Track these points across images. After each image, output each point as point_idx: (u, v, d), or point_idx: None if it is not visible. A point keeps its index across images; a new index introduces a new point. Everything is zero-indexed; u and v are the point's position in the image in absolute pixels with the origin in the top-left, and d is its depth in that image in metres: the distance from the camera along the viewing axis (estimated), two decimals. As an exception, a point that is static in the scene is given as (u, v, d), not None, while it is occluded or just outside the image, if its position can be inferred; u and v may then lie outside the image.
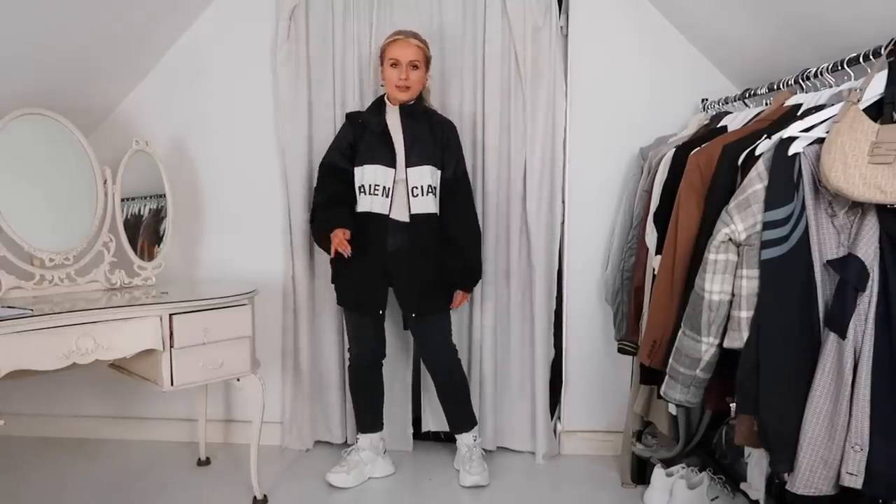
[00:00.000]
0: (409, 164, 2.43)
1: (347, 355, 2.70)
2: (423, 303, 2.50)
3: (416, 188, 2.42)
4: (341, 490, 2.56)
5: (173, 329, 2.20)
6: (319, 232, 2.47)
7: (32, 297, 2.26)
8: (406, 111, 2.46)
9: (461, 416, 2.64)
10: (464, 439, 2.64)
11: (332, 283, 2.59)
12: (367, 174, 2.44)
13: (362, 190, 2.45)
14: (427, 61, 2.46)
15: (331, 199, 2.46)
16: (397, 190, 2.43)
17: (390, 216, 2.43)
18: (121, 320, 2.13)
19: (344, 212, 2.43)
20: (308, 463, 2.80)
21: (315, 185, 2.59)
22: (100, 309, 2.11)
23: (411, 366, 2.87)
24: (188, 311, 2.23)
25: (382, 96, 2.52)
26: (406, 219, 2.43)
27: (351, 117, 2.54)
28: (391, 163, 2.42)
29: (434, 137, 2.46)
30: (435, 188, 2.46)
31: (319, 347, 2.86)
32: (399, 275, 2.47)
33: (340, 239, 2.32)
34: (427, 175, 2.43)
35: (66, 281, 2.37)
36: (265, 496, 2.46)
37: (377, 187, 2.42)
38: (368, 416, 2.65)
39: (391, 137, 2.45)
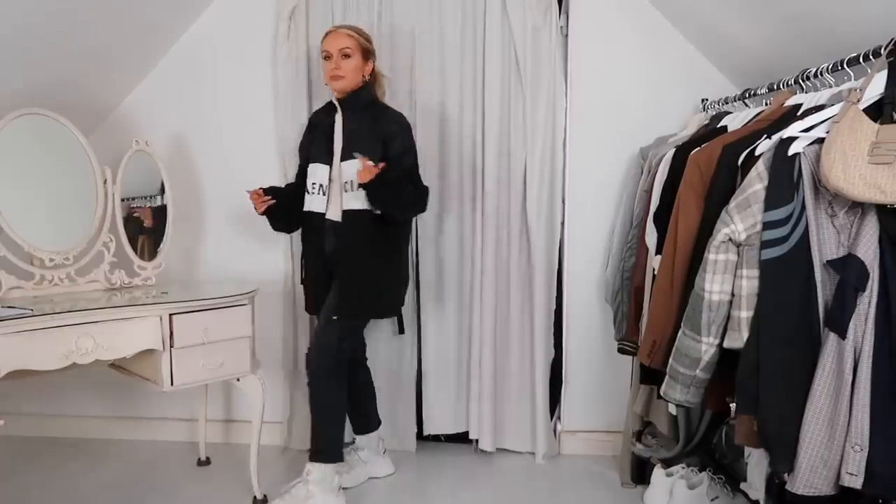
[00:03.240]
0: (343, 158, 2.33)
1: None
2: (340, 302, 2.35)
3: (348, 183, 2.31)
4: (343, 489, 2.56)
5: (173, 329, 2.20)
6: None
7: (32, 297, 2.26)
8: (344, 104, 2.37)
9: (313, 437, 2.39)
10: (306, 467, 2.36)
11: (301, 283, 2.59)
12: (310, 173, 2.41)
13: (305, 189, 2.41)
14: (364, 51, 2.36)
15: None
16: (334, 188, 2.35)
17: (328, 215, 2.36)
18: (121, 320, 2.13)
19: (274, 188, 2.46)
20: (308, 463, 2.80)
21: None
22: (100, 309, 2.11)
23: (415, 366, 2.87)
24: (188, 311, 2.23)
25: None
26: (338, 217, 2.34)
27: (311, 117, 2.56)
28: (328, 160, 2.37)
29: (376, 130, 2.33)
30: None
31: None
32: (336, 275, 2.37)
33: (253, 197, 2.36)
34: (354, 169, 2.26)
35: (66, 281, 2.37)
36: (265, 496, 2.46)
37: (314, 185, 2.38)
38: (354, 418, 2.62)
39: (333, 134, 2.39)
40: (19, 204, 2.28)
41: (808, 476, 1.48)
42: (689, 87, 2.68)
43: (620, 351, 2.51)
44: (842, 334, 1.44)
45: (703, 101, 2.63)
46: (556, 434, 2.90)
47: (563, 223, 2.80)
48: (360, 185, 2.21)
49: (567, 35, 2.73)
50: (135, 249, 2.56)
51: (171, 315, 2.20)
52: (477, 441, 2.88)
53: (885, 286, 1.42)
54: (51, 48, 2.28)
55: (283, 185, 2.62)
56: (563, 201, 2.80)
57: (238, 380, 2.38)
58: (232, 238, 2.90)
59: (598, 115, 2.74)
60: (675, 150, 2.15)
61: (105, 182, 2.48)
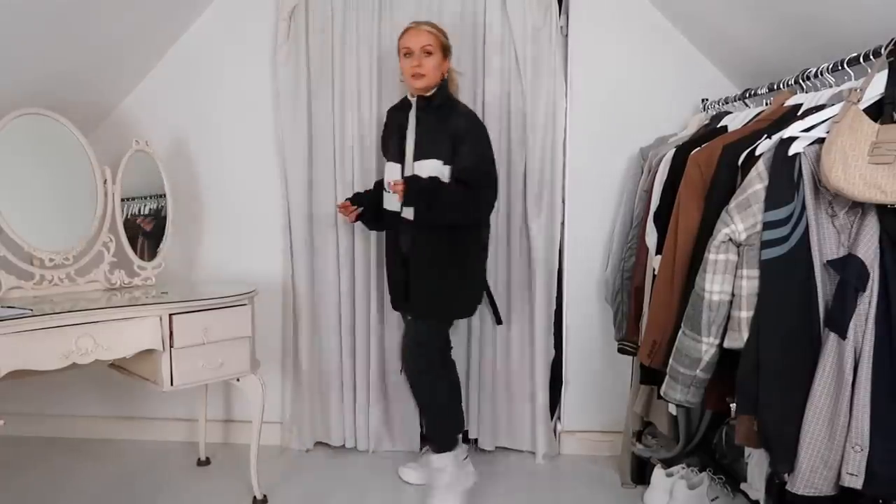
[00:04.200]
0: (415, 158, 2.34)
1: (362, 354, 2.80)
2: (419, 303, 2.39)
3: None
4: (341, 488, 2.57)
5: (173, 329, 2.20)
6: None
7: (32, 297, 2.26)
8: (420, 104, 2.36)
9: (430, 432, 2.54)
10: (430, 460, 2.48)
11: None
12: (385, 171, 2.45)
13: (383, 187, 2.44)
14: (444, 49, 2.35)
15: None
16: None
17: (402, 214, 2.34)
18: (121, 320, 2.13)
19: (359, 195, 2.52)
20: (308, 463, 2.80)
21: None
22: (100, 309, 2.11)
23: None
24: (188, 311, 2.23)
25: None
26: (411, 216, 2.31)
27: (388, 113, 2.54)
28: (399, 158, 2.39)
29: (446, 129, 2.30)
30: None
31: (319, 348, 2.86)
32: (411, 275, 2.38)
33: (341, 212, 2.44)
34: (434, 169, 2.28)
35: (66, 281, 2.37)
36: (265, 496, 2.46)
37: (388, 184, 2.37)
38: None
39: (406, 132, 2.39)
40: (19, 204, 2.28)
41: (809, 476, 1.48)
42: (689, 87, 2.68)
43: (620, 351, 2.51)
44: (842, 334, 1.44)
45: (703, 101, 2.62)
46: (556, 434, 2.90)
47: (563, 223, 2.80)
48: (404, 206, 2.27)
49: (567, 35, 2.73)
50: (135, 249, 2.56)
51: (170, 315, 2.20)
52: (477, 440, 2.89)
53: (886, 286, 1.42)
54: (51, 48, 2.28)
55: (365, 189, 2.63)
56: (563, 201, 2.79)
57: (238, 380, 2.38)
58: (231, 238, 2.90)
59: (598, 115, 2.74)
60: (675, 150, 2.15)
61: (105, 182, 2.48)
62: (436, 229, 2.32)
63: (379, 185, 2.53)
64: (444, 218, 2.29)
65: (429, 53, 2.30)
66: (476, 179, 2.28)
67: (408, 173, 2.34)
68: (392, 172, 2.40)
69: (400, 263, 2.43)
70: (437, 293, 2.37)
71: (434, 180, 2.26)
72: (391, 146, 2.45)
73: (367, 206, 2.47)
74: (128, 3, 2.37)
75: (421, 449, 2.77)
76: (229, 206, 2.89)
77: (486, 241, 2.54)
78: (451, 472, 2.42)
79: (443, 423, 2.50)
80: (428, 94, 2.36)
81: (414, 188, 2.21)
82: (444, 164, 2.30)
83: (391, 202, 2.37)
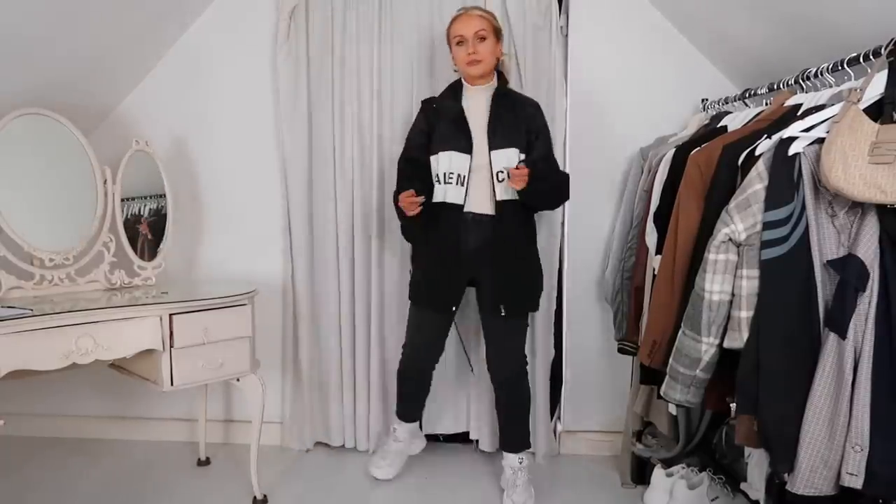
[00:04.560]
0: (492, 147, 2.25)
1: (362, 354, 2.79)
2: (508, 300, 2.33)
3: (501, 172, 2.25)
4: (342, 488, 2.57)
5: (173, 329, 2.20)
6: (399, 217, 2.36)
7: (32, 297, 2.26)
8: (498, 93, 2.31)
9: (515, 434, 2.51)
10: (509, 460, 2.50)
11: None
12: (441, 162, 2.30)
13: (437, 179, 2.31)
14: (496, 32, 2.30)
15: (402, 185, 2.33)
16: (476, 178, 2.28)
17: (468, 208, 2.28)
18: (121, 320, 2.13)
19: (411, 184, 2.28)
20: (308, 463, 2.80)
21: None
22: (100, 309, 2.11)
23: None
24: (188, 311, 2.23)
25: (459, 80, 2.39)
26: (489, 210, 2.27)
27: (424, 104, 2.43)
28: (466, 148, 2.27)
29: (518, 117, 2.28)
30: None
31: (319, 348, 2.86)
32: (483, 272, 2.32)
33: (407, 201, 2.21)
34: (513, 158, 2.25)
35: (66, 281, 2.37)
36: (265, 496, 2.46)
37: (451, 175, 2.28)
38: (411, 408, 2.61)
39: (467, 122, 2.30)
40: (19, 204, 2.28)
41: (809, 476, 1.49)
42: (689, 87, 2.68)
43: (620, 351, 2.51)
44: (842, 334, 1.44)
45: (703, 101, 2.62)
46: (556, 434, 2.90)
47: (563, 223, 2.80)
48: (518, 192, 2.21)
49: (567, 35, 2.73)
50: (135, 249, 2.56)
51: (170, 315, 2.20)
52: (477, 441, 2.88)
53: (886, 286, 1.42)
54: (51, 48, 2.28)
55: (397, 188, 2.38)
56: (563, 201, 2.79)
57: (238, 380, 2.38)
58: (231, 238, 2.90)
59: (598, 115, 2.74)
60: (675, 150, 2.15)
61: (105, 182, 2.48)
62: (513, 224, 2.30)
63: (421, 180, 2.32)
64: (556, 205, 2.45)
65: (482, 38, 2.26)
66: (555, 161, 2.41)
67: (483, 162, 2.27)
68: (456, 163, 2.27)
69: (458, 261, 2.32)
70: (531, 286, 2.41)
71: (545, 160, 2.29)
72: (443, 136, 2.32)
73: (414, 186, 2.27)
74: (128, 4, 2.37)
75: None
76: (229, 206, 2.89)
77: None
78: (527, 467, 2.50)
79: (527, 421, 2.54)
80: (485, 81, 2.33)
81: (539, 174, 2.19)
82: (520, 152, 2.28)
83: (451, 195, 2.29)
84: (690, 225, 1.83)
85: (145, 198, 2.61)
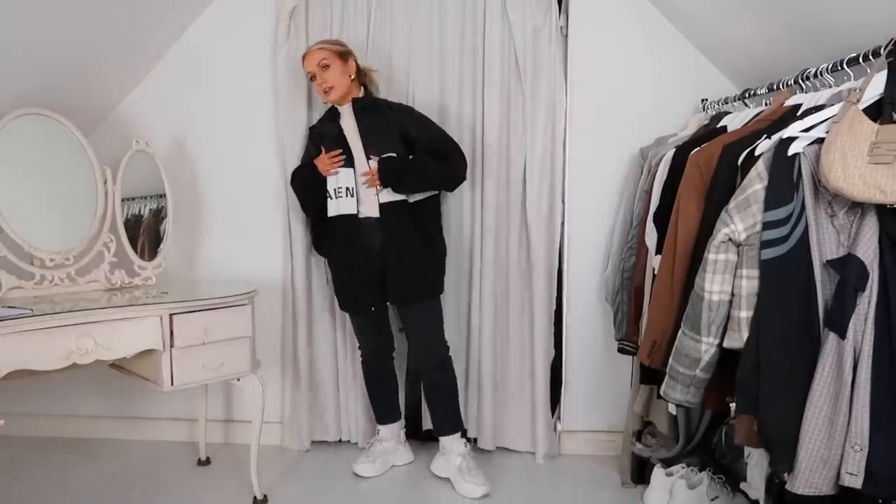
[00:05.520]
0: (369, 157, 2.42)
1: (341, 356, 2.83)
2: (410, 290, 2.49)
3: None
4: (342, 488, 2.57)
5: (173, 329, 2.20)
6: (304, 205, 2.61)
7: (33, 297, 2.26)
8: (357, 106, 2.46)
9: (445, 416, 2.61)
10: (455, 447, 2.59)
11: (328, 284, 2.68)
12: (330, 179, 2.46)
13: (330, 195, 2.47)
14: (340, 55, 2.43)
15: (299, 179, 2.58)
16: (362, 187, 2.44)
17: (361, 214, 2.44)
18: (121, 320, 2.13)
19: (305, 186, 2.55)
20: (308, 463, 2.80)
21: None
22: (100, 309, 2.11)
23: (404, 368, 2.86)
24: (188, 311, 2.23)
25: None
26: (376, 213, 2.43)
27: (311, 131, 2.62)
28: (349, 163, 2.44)
29: (389, 125, 2.44)
30: None
31: (317, 347, 2.87)
32: (389, 270, 2.47)
33: (324, 162, 2.43)
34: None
35: (66, 281, 2.37)
36: (265, 496, 2.46)
37: (340, 189, 2.44)
38: (384, 407, 2.71)
39: (346, 138, 2.46)
40: (19, 204, 2.28)
41: (808, 476, 1.49)
42: (689, 87, 2.68)
43: (620, 351, 2.51)
44: (842, 334, 1.44)
45: (703, 101, 2.63)
46: (556, 434, 2.90)
47: (563, 223, 2.80)
48: (383, 186, 2.40)
49: (567, 35, 2.73)
50: (135, 249, 2.56)
51: (171, 315, 2.20)
52: (476, 440, 2.89)
53: (885, 286, 1.42)
54: (50, 48, 2.28)
55: (296, 189, 2.65)
56: (563, 201, 2.79)
57: (238, 380, 2.38)
58: (231, 238, 2.90)
59: (598, 115, 2.74)
60: (675, 150, 2.15)
61: (105, 182, 2.48)
62: (400, 221, 2.44)
63: (320, 196, 2.50)
64: (426, 180, 2.46)
65: (325, 67, 2.41)
66: (449, 142, 2.49)
67: (364, 171, 2.43)
68: (343, 178, 2.43)
69: (364, 264, 2.48)
70: (424, 275, 2.50)
71: (399, 156, 2.42)
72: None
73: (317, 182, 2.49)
74: (128, 4, 2.37)
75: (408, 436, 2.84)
76: (229, 206, 2.89)
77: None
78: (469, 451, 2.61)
79: (456, 403, 2.63)
80: (348, 100, 2.47)
81: (387, 166, 2.39)
82: (400, 154, 2.44)
83: (345, 206, 2.44)
84: (690, 225, 1.83)
85: (145, 198, 2.62)
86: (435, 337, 2.57)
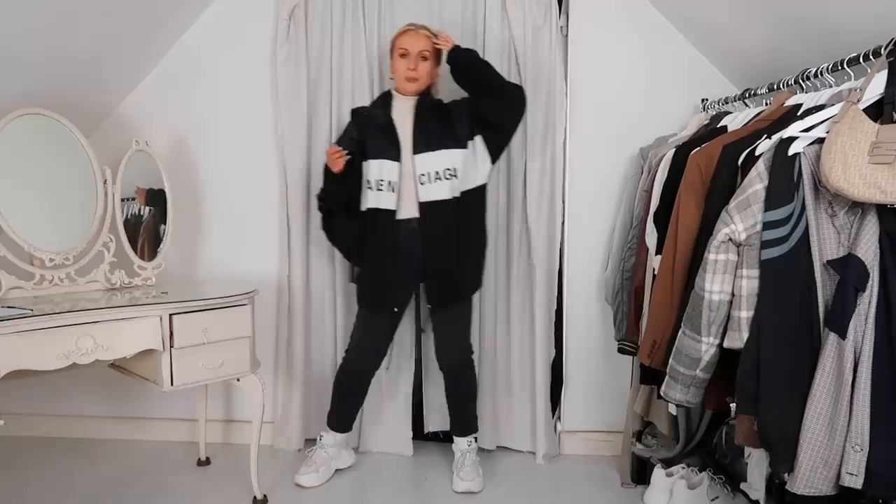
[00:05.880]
0: (415, 152, 2.37)
1: (340, 356, 2.75)
2: (450, 292, 2.48)
3: (423, 175, 2.36)
4: (342, 488, 2.57)
5: (173, 329, 2.20)
6: (326, 204, 2.50)
7: (32, 297, 2.26)
8: (425, 102, 2.43)
9: (464, 419, 2.63)
10: (458, 444, 2.63)
11: (352, 281, 2.63)
12: (372, 169, 2.40)
13: (369, 185, 2.41)
14: (437, 54, 2.43)
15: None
16: (405, 184, 2.39)
17: (401, 213, 2.39)
18: (121, 320, 2.13)
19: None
20: (308, 463, 2.80)
21: None
22: (100, 309, 2.11)
23: (413, 369, 2.85)
24: (188, 311, 2.23)
25: (389, 90, 2.50)
26: (415, 212, 2.38)
27: (355, 113, 2.52)
28: (395, 156, 2.38)
29: (450, 118, 2.40)
30: (454, 171, 2.37)
31: (313, 348, 2.87)
32: (429, 273, 2.44)
33: (332, 153, 2.33)
34: (442, 160, 2.36)
35: (66, 281, 2.37)
36: (265, 496, 2.46)
37: (381, 182, 2.38)
38: (344, 418, 2.63)
39: (396, 130, 2.40)
40: (19, 204, 2.28)
41: (809, 476, 1.48)
42: (689, 87, 2.68)
43: (620, 351, 2.51)
44: (842, 334, 1.44)
45: (703, 101, 2.63)
46: (556, 434, 2.90)
47: (563, 223, 2.80)
48: (449, 54, 2.35)
49: (567, 35, 2.73)
50: (135, 249, 2.56)
51: (171, 315, 2.20)
52: (470, 444, 2.87)
53: (886, 286, 1.42)
54: (51, 48, 2.28)
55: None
56: (563, 201, 2.79)
57: (238, 380, 2.38)
58: (231, 238, 2.90)
59: (598, 115, 2.74)
60: (675, 150, 2.15)
61: (105, 182, 2.48)
62: (439, 223, 2.38)
63: (355, 185, 2.43)
64: (494, 72, 2.39)
65: (425, 59, 2.39)
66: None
67: (410, 169, 2.38)
68: (387, 170, 2.37)
69: (392, 262, 2.42)
70: (464, 278, 2.50)
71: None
72: (374, 144, 2.41)
73: (353, 155, 2.37)
74: (128, 3, 2.37)
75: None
76: (229, 206, 2.89)
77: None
78: (475, 449, 2.64)
79: (474, 407, 2.65)
80: (414, 94, 2.43)
81: (471, 56, 2.37)
82: (459, 147, 2.39)
83: (384, 200, 2.38)
84: (690, 225, 1.83)
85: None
86: (463, 337, 2.58)
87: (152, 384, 2.27)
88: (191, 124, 2.87)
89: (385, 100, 2.48)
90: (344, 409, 2.63)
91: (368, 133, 2.43)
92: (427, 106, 2.43)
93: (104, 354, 2.11)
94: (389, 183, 2.37)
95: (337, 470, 2.67)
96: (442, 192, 2.37)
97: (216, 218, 2.91)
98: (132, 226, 2.57)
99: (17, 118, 2.28)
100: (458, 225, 2.43)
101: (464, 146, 2.40)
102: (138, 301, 2.24)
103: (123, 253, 2.52)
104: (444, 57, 2.40)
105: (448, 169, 2.37)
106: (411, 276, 2.47)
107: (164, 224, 2.63)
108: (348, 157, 2.35)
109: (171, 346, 2.20)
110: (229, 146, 2.87)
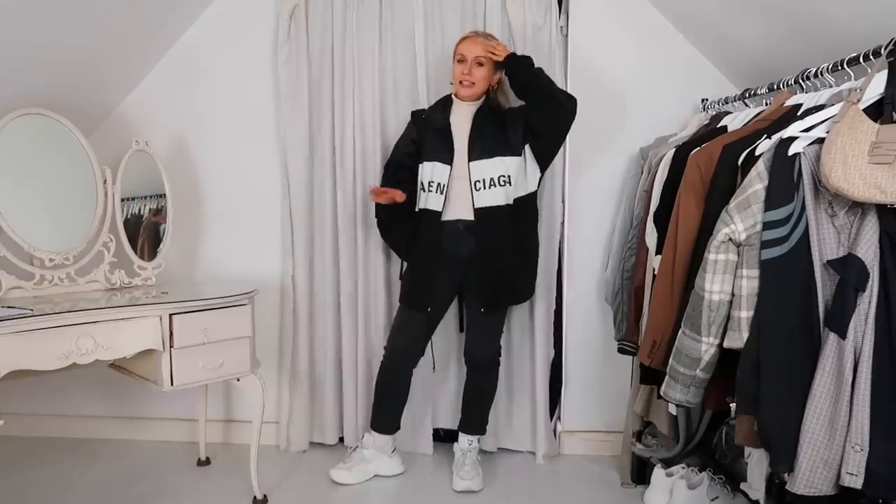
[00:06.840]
0: (471, 159, 2.41)
1: (361, 355, 2.80)
2: (501, 297, 2.52)
3: (479, 182, 2.40)
4: (342, 488, 2.57)
5: (173, 329, 2.20)
6: (380, 223, 2.60)
7: (32, 297, 2.26)
8: (484, 109, 2.46)
9: (477, 418, 2.66)
10: (461, 443, 2.64)
11: (400, 279, 2.66)
12: (425, 171, 2.47)
13: (421, 187, 2.49)
14: (495, 63, 2.42)
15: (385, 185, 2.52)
16: (458, 187, 2.42)
17: (451, 215, 2.43)
18: (121, 320, 2.13)
19: (393, 186, 2.46)
20: (308, 463, 2.80)
21: None
22: (100, 309, 2.11)
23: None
24: (188, 311, 2.23)
25: (449, 95, 2.53)
26: (470, 216, 2.42)
27: (415, 115, 2.57)
28: (448, 160, 2.42)
29: (506, 125, 2.43)
30: (507, 178, 2.40)
31: (316, 348, 2.86)
32: (477, 275, 2.47)
33: (385, 196, 2.39)
34: (496, 167, 2.39)
35: (66, 281, 2.37)
36: (265, 496, 2.46)
37: (432, 184, 2.44)
38: (383, 418, 2.61)
39: (451, 134, 2.45)
40: (19, 204, 2.28)
41: (809, 476, 1.48)
42: (689, 87, 2.68)
43: (620, 351, 2.51)
44: (842, 334, 1.44)
45: (703, 101, 2.63)
46: (556, 434, 2.90)
47: (562, 223, 2.80)
48: (502, 63, 2.38)
49: (567, 35, 2.73)
50: (135, 249, 2.56)
51: (170, 315, 2.20)
52: (471, 443, 2.87)
53: (886, 286, 1.42)
54: (51, 49, 2.28)
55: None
56: (563, 201, 2.79)
57: (238, 380, 2.38)
58: (231, 238, 2.90)
59: (598, 115, 2.74)
60: (675, 150, 2.15)
61: (105, 182, 2.48)
62: (492, 228, 2.41)
63: (400, 183, 2.47)
64: (546, 78, 2.38)
65: (480, 64, 2.41)
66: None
67: (463, 173, 2.42)
68: (438, 173, 2.43)
69: (439, 266, 2.47)
70: (513, 283, 2.53)
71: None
72: (429, 147, 2.47)
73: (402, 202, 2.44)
74: (128, 3, 2.37)
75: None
76: (229, 206, 2.89)
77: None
78: (476, 449, 2.66)
79: (488, 409, 2.68)
80: (473, 100, 2.46)
81: (524, 62, 2.37)
82: (513, 155, 2.42)
83: (432, 202, 2.44)
84: (690, 225, 1.83)
85: (145, 198, 2.61)
86: (497, 338, 2.62)
87: (152, 384, 2.27)
88: (191, 124, 2.87)
89: (444, 103, 2.53)
90: (380, 409, 2.61)
91: (427, 135, 2.48)
92: (485, 112, 2.46)
93: (104, 354, 2.11)
94: (439, 185, 2.43)
95: (378, 476, 2.64)
96: (497, 198, 2.41)
97: (216, 218, 2.91)
98: (132, 226, 2.57)
99: (18, 118, 2.28)
100: (514, 230, 2.46)
101: (518, 153, 2.42)
102: (138, 301, 2.24)
103: (123, 253, 2.53)
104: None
105: (502, 176, 2.40)
106: (453, 278, 2.50)
107: (164, 224, 2.64)
108: (397, 194, 2.41)
109: (170, 346, 2.20)
110: (229, 146, 2.87)
